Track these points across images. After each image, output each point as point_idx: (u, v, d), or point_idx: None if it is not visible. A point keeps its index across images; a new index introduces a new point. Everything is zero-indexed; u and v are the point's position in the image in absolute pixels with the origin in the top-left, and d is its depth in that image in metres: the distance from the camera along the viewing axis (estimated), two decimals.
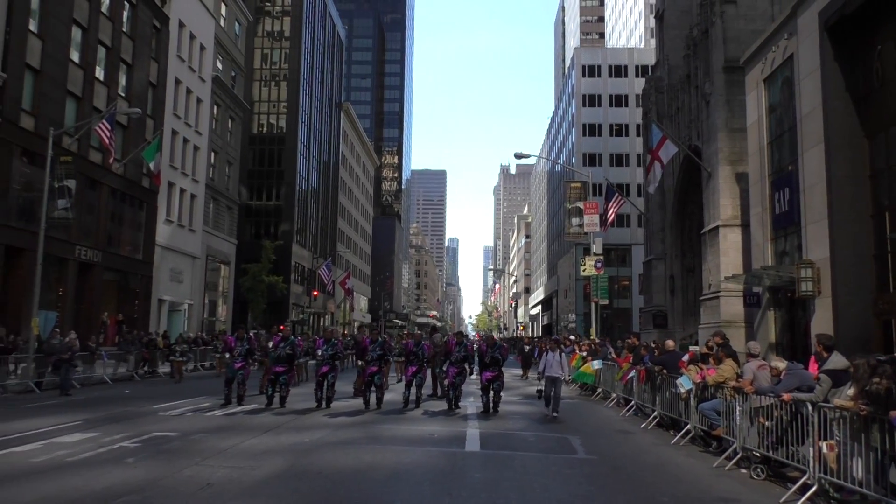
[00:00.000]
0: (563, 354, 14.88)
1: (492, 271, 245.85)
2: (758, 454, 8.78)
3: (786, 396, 7.97)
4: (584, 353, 21.06)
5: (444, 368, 16.37)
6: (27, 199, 27.22)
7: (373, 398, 15.30)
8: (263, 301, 50.77)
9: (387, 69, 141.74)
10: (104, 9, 32.83)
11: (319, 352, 15.50)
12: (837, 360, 7.89)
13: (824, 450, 7.19)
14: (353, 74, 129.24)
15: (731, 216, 27.40)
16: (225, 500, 6.72)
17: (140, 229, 36.68)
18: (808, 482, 7.41)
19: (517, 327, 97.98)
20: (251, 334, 17.64)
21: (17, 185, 26.50)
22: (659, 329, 35.26)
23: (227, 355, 16.43)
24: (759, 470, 8.62)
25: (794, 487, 7.55)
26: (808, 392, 7.76)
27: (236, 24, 53.34)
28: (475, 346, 19.45)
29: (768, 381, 8.87)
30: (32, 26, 27.60)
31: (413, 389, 15.59)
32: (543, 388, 14.68)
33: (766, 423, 8.55)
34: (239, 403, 15.16)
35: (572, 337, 31.75)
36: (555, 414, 14.09)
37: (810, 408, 7.47)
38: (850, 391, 6.90)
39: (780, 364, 8.78)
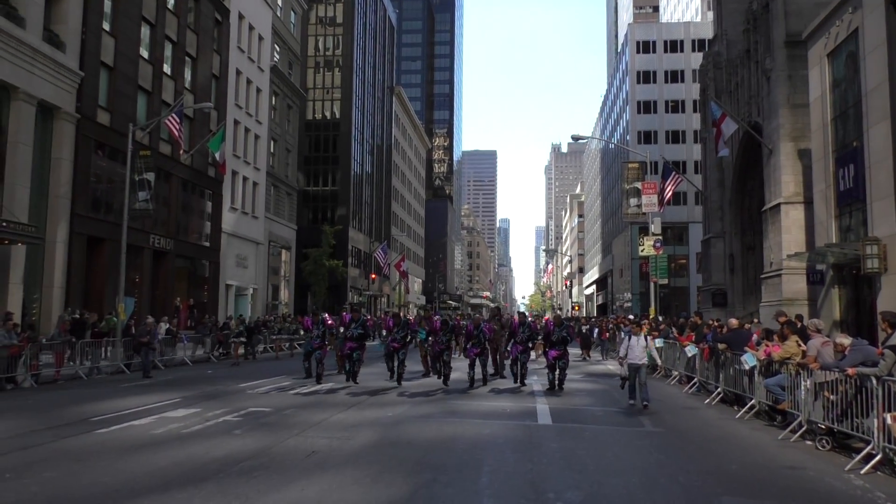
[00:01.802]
0: (647, 338, 13.40)
1: (544, 251, 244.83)
2: (822, 426, 9.16)
3: (850, 371, 8.34)
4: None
5: (508, 348, 17.03)
6: (105, 192, 28.85)
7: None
8: (324, 284, 52.23)
9: (437, 51, 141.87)
10: (170, 5, 34.20)
11: (385, 332, 16.38)
12: None
13: (888, 421, 7.55)
14: (404, 57, 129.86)
15: (794, 193, 27.11)
16: (332, 465, 7.52)
17: (207, 217, 38.29)
18: (873, 452, 7.79)
19: (572, 307, 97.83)
20: (325, 316, 18.64)
21: (93, 179, 28.10)
22: (718, 308, 35.11)
23: (303, 332, 17.47)
24: (824, 441, 9.01)
25: (859, 457, 7.94)
26: (872, 367, 8.12)
27: (292, 12, 54.50)
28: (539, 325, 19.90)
29: (832, 356, 9.22)
30: (106, 25, 29.03)
31: (478, 368, 16.35)
32: (627, 374, 13.18)
33: (831, 397, 8.92)
34: (318, 382, 16.12)
35: (631, 316, 31.91)
36: (645, 403, 12.50)
37: (874, 381, 7.84)
38: None
39: (845, 340, 9.11)
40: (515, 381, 15.90)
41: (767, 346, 11.36)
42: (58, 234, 25.64)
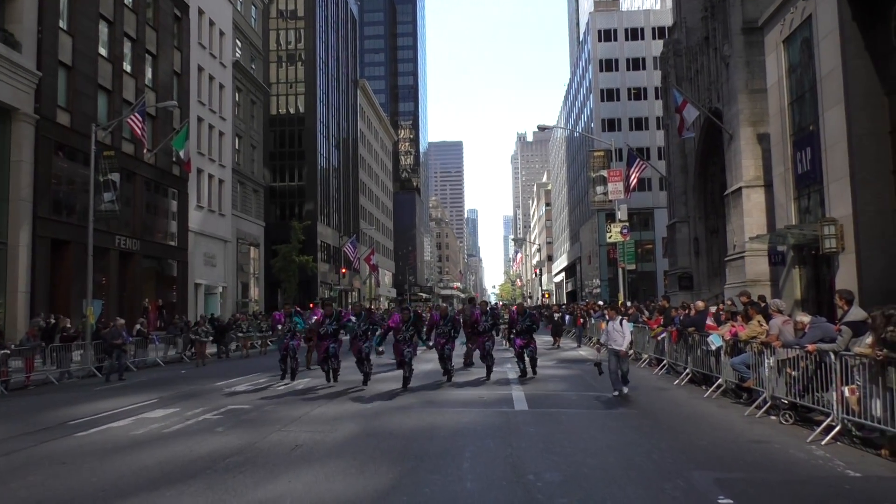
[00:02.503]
0: (623, 323, 12.65)
1: (513, 240, 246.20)
2: (786, 402, 9.58)
3: (810, 347, 8.75)
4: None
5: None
6: (67, 193, 28.40)
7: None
8: (295, 280, 51.97)
9: (399, 42, 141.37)
10: (128, 1, 33.64)
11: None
12: (856, 313, 8.65)
13: (846, 394, 7.96)
14: (367, 50, 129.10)
15: (754, 177, 27.79)
16: (317, 458, 7.67)
17: (173, 216, 37.87)
18: (832, 423, 8.21)
19: (542, 295, 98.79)
20: (296, 309, 18.43)
21: (55, 181, 27.63)
22: (685, 291, 35.83)
23: (280, 327, 17.25)
24: (787, 415, 9.43)
25: (820, 429, 8.35)
26: (830, 343, 8.53)
27: (252, 7, 53.88)
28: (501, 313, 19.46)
29: (793, 334, 9.63)
30: (62, 24, 28.50)
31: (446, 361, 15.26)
32: (607, 360, 12.48)
33: (793, 373, 9.33)
34: (292, 378, 16.10)
35: (601, 302, 32.51)
36: (624, 391, 12.13)
37: (832, 356, 8.25)
38: (869, 339, 7.66)
39: (805, 318, 9.53)
40: (487, 377, 15.31)
41: (733, 326, 11.79)
42: (20, 238, 25.19)
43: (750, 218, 27.74)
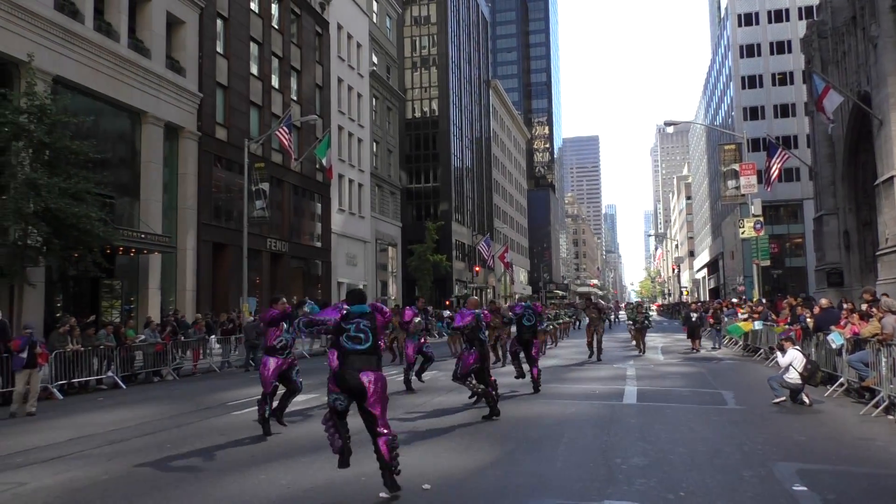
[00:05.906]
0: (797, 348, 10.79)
1: (651, 236, 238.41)
2: None
3: None
4: (745, 315, 21.36)
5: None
6: (225, 201, 31.55)
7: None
8: (429, 279, 53.96)
9: (531, 40, 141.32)
10: (274, 23, 36.67)
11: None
12: None
13: None
14: (499, 49, 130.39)
15: None
16: (428, 438, 8.62)
17: (317, 219, 40.78)
18: None
19: (681, 293, 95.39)
20: (429, 308, 19.68)
21: (214, 189, 30.79)
22: (834, 288, 33.72)
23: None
24: None
25: None
26: None
27: (387, 18, 56.47)
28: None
29: None
30: (219, 48, 31.67)
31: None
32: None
33: None
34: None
35: (735, 300, 31.38)
36: (784, 399, 10.70)
37: None
38: None
39: None
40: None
41: (853, 325, 11.49)
42: (187, 242, 28.39)
43: None
